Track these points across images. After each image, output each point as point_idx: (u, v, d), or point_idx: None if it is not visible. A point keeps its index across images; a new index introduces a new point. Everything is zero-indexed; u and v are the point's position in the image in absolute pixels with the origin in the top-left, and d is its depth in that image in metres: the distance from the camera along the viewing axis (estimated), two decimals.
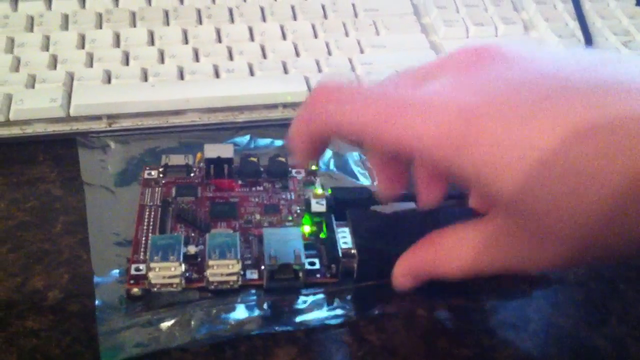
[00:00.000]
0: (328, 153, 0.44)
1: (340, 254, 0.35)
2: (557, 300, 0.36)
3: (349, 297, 0.36)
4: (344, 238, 0.36)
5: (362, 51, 0.51)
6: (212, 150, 0.40)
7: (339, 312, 0.35)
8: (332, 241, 0.36)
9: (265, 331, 0.33)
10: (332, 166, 0.44)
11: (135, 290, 0.34)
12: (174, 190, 0.40)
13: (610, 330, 0.34)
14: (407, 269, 0.34)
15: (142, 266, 0.35)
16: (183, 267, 0.34)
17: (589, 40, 0.53)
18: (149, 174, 0.41)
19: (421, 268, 0.33)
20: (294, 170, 0.42)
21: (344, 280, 0.36)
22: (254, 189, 0.41)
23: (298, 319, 0.34)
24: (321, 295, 0.35)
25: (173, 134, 0.45)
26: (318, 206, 0.38)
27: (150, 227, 0.38)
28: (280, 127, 0.46)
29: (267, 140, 0.45)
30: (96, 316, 0.33)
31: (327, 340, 0.33)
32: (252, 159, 0.42)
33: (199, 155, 0.41)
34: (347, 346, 0.33)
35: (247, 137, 0.45)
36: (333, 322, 0.34)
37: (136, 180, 0.41)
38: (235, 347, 0.33)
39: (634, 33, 0.55)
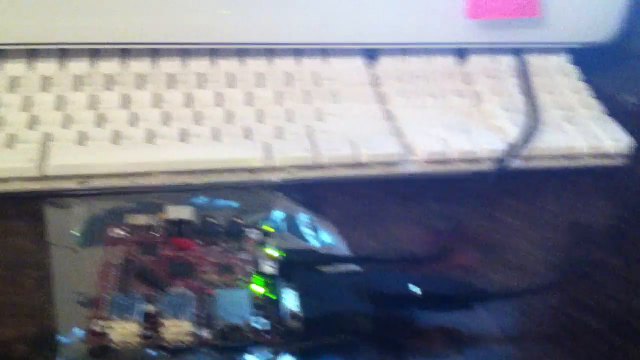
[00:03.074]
0: (280, 214, 0.48)
1: (287, 315, 0.39)
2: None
3: (295, 356, 0.38)
4: (291, 299, 0.39)
5: (320, 119, 0.54)
6: (173, 212, 0.44)
7: None
8: (280, 302, 0.39)
9: None
10: (283, 227, 0.47)
11: (97, 346, 0.37)
12: (135, 249, 0.43)
13: None
14: None
15: (103, 323, 0.37)
16: (140, 326, 0.37)
17: (534, 114, 0.57)
18: (113, 232, 0.44)
19: None
20: (248, 231, 0.45)
21: (291, 340, 0.39)
22: (211, 248, 0.44)
23: None
24: (270, 355, 0.38)
25: (133, 195, 0.48)
26: (267, 268, 0.42)
27: (113, 285, 0.40)
28: (238, 189, 0.49)
29: (222, 202, 0.48)
30: None
31: None
32: (211, 219, 0.45)
33: (160, 215, 0.44)
34: None
35: (204, 198, 0.48)
36: None
37: (99, 241, 0.44)
38: None
39: (577, 108, 0.59)
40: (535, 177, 0.55)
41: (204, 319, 0.39)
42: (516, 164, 0.54)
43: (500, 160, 0.53)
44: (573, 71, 0.63)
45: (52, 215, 0.46)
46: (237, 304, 0.39)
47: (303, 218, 0.48)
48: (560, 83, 0.62)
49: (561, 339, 0.41)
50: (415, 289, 0.40)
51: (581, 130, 0.56)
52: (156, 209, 0.45)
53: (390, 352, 0.39)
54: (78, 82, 0.55)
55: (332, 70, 0.59)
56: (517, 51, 0.63)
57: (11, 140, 0.49)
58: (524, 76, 0.61)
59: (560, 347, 0.41)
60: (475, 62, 0.62)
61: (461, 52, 0.62)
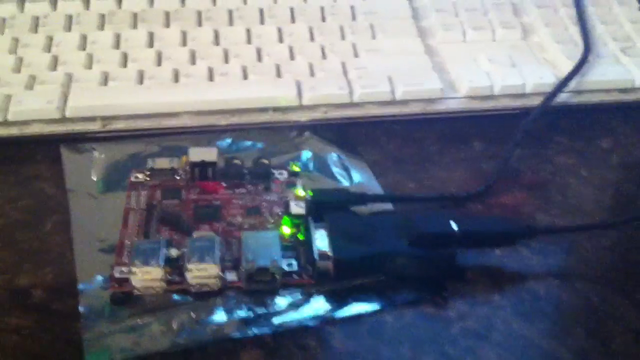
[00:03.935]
0: (307, 154, 0.45)
1: (316, 256, 0.36)
2: (524, 310, 0.36)
3: (325, 298, 0.36)
4: (321, 240, 0.37)
5: (356, 55, 0.51)
6: (197, 154, 0.42)
7: (315, 313, 0.36)
8: (309, 243, 0.37)
9: (242, 335, 0.34)
10: (311, 167, 0.45)
11: (119, 292, 0.36)
12: (159, 194, 0.41)
13: (576, 343, 0.35)
14: None
15: (125, 269, 0.36)
16: (164, 271, 0.35)
17: (587, 45, 0.53)
18: (136, 177, 0.42)
19: None
20: (276, 172, 0.43)
21: (321, 282, 0.37)
22: (237, 191, 0.42)
23: (275, 320, 0.35)
24: (299, 297, 0.36)
25: (157, 137, 0.46)
26: (297, 208, 0.39)
27: (135, 231, 0.39)
28: (267, 130, 0.47)
29: (249, 143, 0.46)
30: (81, 323, 0.34)
31: (293, 345, 0.34)
32: (236, 161, 0.43)
33: (183, 158, 0.42)
34: (310, 350, 0.34)
35: (229, 140, 0.46)
36: (309, 323, 0.35)
37: (120, 186, 0.42)
38: (204, 349, 0.34)
39: (635, 39, 0.54)
40: (588, 113, 0.51)
41: (231, 262, 0.37)
42: (567, 98, 0.50)
43: (550, 95, 0.49)
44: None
45: (72, 160, 0.44)
46: (265, 246, 0.37)
47: (334, 157, 0.45)
48: (618, 12, 0.57)
49: (611, 279, 0.38)
50: (455, 227, 0.37)
51: (638, 62, 0.52)
52: (180, 152, 0.43)
53: (427, 294, 0.37)
54: (103, 21, 0.53)
55: (369, 4, 0.56)
56: None
57: (32, 82, 0.47)
58: (577, 6, 0.57)
59: (609, 289, 0.38)
60: None
61: None
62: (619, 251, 0.40)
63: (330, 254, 0.36)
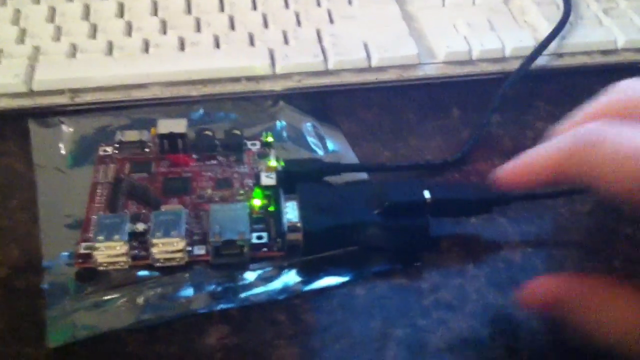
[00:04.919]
0: (282, 124, 0.44)
1: (286, 228, 0.36)
2: (499, 280, 0.35)
3: (296, 271, 0.36)
4: (291, 211, 0.36)
5: (332, 22, 0.50)
6: (165, 126, 0.41)
7: (285, 286, 0.35)
8: (279, 215, 0.36)
9: (210, 309, 0.34)
10: (286, 137, 0.44)
11: (84, 269, 0.35)
12: (128, 167, 0.40)
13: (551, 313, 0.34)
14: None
15: (90, 244, 0.35)
16: (128, 245, 0.35)
17: (568, 7, 0.51)
18: (104, 151, 0.41)
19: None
20: (249, 143, 0.42)
21: (291, 254, 0.36)
22: (208, 163, 0.41)
23: (244, 294, 0.35)
24: (268, 270, 0.36)
25: (127, 109, 0.45)
26: (268, 179, 0.38)
27: (102, 206, 0.38)
28: (240, 100, 0.46)
29: (221, 114, 0.45)
30: (45, 300, 0.34)
31: (261, 319, 0.34)
32: (207, 132, 0.42)
33: (153, 130, 0.41)
34: (279, 324, 0.33)
35: (201, 111, 0.45)
36: (279, 297, 0.35)
37: (89, 160, 0.41)
38: (169, 325, 0.33)
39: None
40: (570, 76, 0.50)
41: (199, 236, 0.36)
42: (547, 62, 0.49)
43: (528, 59, 0.48)
44: None
45: (40, 134, 0.43)
46: (234, 218, 0.36)
47: (309, 127, 0.44)
48: None
49: (587, 245, 0.38)
50: (428, 195, 0.36)
51: (620, 23, 0.50)
52: (151, 124, 0.42)
53: (399, 265, 0.36)
54: None
55: None
56: None
57: None
58: None
59: (585, 255, 0.37)
60: None
61: None
62: (596, 216, 0.39)
63: (299, 225, 0.36)
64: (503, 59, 0.49)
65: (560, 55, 0.49)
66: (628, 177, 0.26)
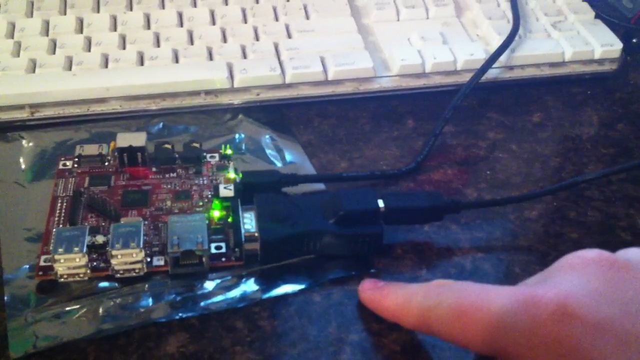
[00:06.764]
0: (241, 136, 0.45)
1: (244, 238, 0.36)
2: None
3: (255, 280, 0.37)
4: (248, 222, 0.37)
5: (289, 36, 0.51)
6: (124, 139, 0.41)
7: (244, 294, 0.36)
8: (238, 225, 0.37)
9: (169, 319, 0.34)
10: (244, 149, 0.44)
11: (45, 281, 0.35)
12: (87, 180, 0.41)
13: None
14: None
15: (50, 257, 0.35)
16: (87, 257, 0.35)
17: (517, 20, 0.53)
18: (64, 164, 0.42)
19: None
20: (208, 156, 0.43)
21: (249, 264, 0.37)
22: (167, 175, 0.41)
23: (203, 303, 0.36)
24: (227, 279, 0.37)
25: (86, 124, 0.46)
26: (226, 191, 0.39)
27: (62, 219, 0.38)
28: (199, 114, 0.47)
29: (181, 127, 0.46)
30: (6, 312, 0.34)
31: (220, 327, 0.34)
32: (167, 145, 0.43)
33: (112, 144, 0.42)
34: (238, 331, 0.34)
35: (161, 124, 0.46)
36: (238, 305, 0.35)
37: (49, 174, 0.42)
38: (129, 334, 0.34)
39: (566, 13, 0.55)
40: (520, 88, 0.51)
41: (157, 247, 0.37)
42: (498, 74, 0.51)
43: (479, 71, 0.49)
44: None
45: (0, 149, 0.44)
46: (193, 229, 0.37)
47: (267, 139, 0.45)
48: None
49: (534, 250, 0.39)
50: (382, 204, 0.37)
51: (568, 36, 0.52)
52: (110, 138, 0.43)
53: (355, 272, 0.37)
54: (31, 7, 0.52)
55: None
56: None
57: None
58: None
59: (532, 259, 0.38)
60: None
61: None
62: (543, 222, 0.41)
63: (257, 235, 0.36)
64: (455, 72, 0.50)
65: (511, 67, 0.51)
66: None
